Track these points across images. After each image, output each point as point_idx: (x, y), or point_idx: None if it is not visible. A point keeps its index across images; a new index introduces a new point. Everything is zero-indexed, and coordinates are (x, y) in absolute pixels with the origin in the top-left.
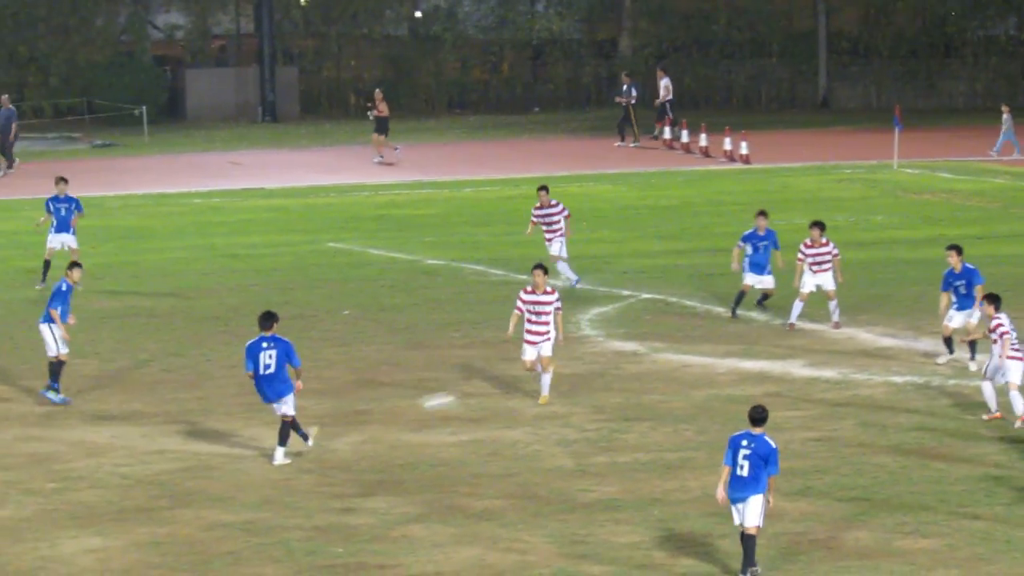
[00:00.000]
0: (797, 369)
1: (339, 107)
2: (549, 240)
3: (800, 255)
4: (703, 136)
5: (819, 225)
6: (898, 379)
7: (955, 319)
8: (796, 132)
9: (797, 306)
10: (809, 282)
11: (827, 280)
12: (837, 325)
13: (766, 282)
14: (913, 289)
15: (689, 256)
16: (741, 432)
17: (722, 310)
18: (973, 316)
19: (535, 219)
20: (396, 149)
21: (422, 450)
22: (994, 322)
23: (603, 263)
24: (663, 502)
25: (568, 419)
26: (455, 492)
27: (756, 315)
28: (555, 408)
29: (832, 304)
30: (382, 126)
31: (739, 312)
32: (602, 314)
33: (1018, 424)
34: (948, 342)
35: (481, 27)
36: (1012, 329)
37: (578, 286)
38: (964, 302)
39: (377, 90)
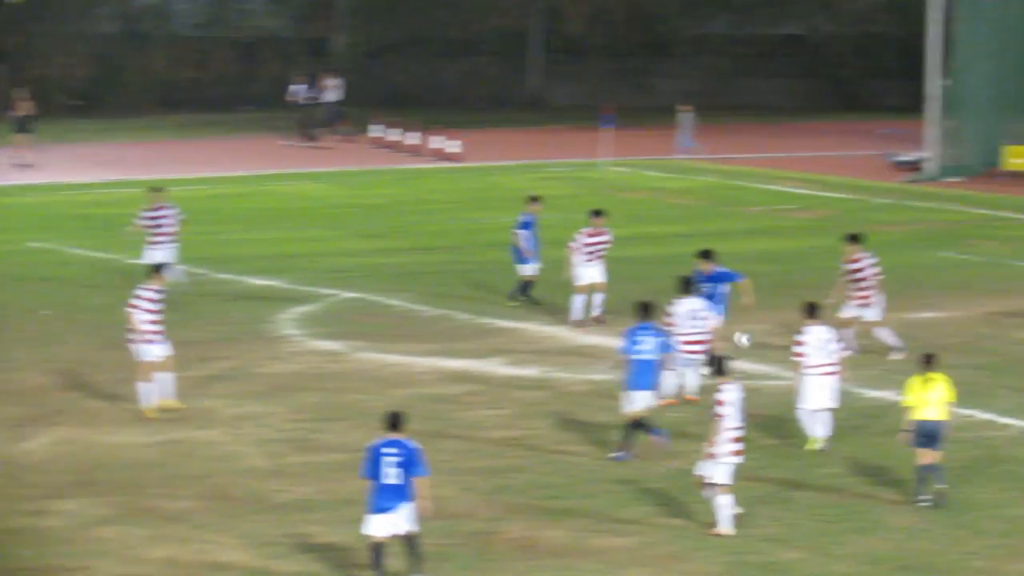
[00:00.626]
0: (498, 368)
1: (45, 106)
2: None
3: (574, 244)
4: (414, 134)
5: (599, 213)
6: (599, 377)
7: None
8: (508, 130)
9: (578, 300)
10: (584, 275)
11: (599, 272)
12: (599, 320)
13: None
14: (619, 287)
15: (395, 255)
16: (380, 440)
17: (425, 309)
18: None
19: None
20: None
21: (117, 451)
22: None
23: (308, 262)
24: (358, 503)
25: (266, 419)
26: (149, 493)
27: (459, 314)
28: (253, 408)
29: (598, 298)
30: (23, 126)
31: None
32: (304, 313)
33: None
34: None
35: (193, 25)
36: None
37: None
38: (715, 307)
39: (19, 90)
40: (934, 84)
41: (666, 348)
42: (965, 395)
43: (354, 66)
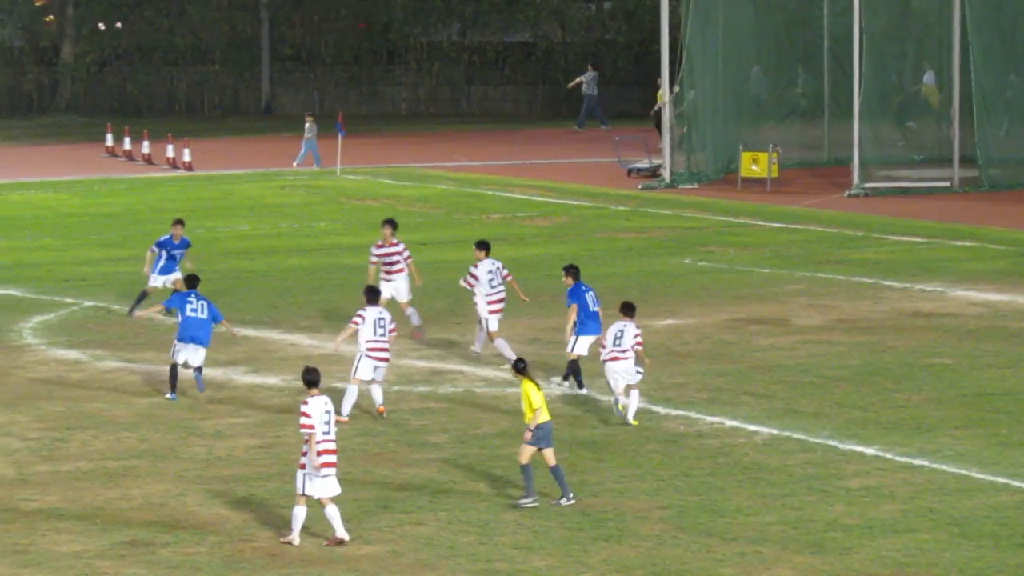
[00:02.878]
0: (239, 376)
1: None
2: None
3: (372, 257)
4: (145, 143)
5: (390, 223)
6: (342, 385)
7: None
8: (240, 139)
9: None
10: (385, 289)
11: (401, 288)
12: (418, 333)
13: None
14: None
15: (132, 264)
16: None
17: (165, 318)
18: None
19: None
20: None
21: None
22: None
23: (45, 271)
24: (106, 510)
25: (9, 428)
26: None
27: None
28: None
29: (409, 311)
30: None
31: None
32: (44, 322)
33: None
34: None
35: None
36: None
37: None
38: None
39: None
40: (667, 91)
41: None
42: (710, 403)
43: (84, 75)
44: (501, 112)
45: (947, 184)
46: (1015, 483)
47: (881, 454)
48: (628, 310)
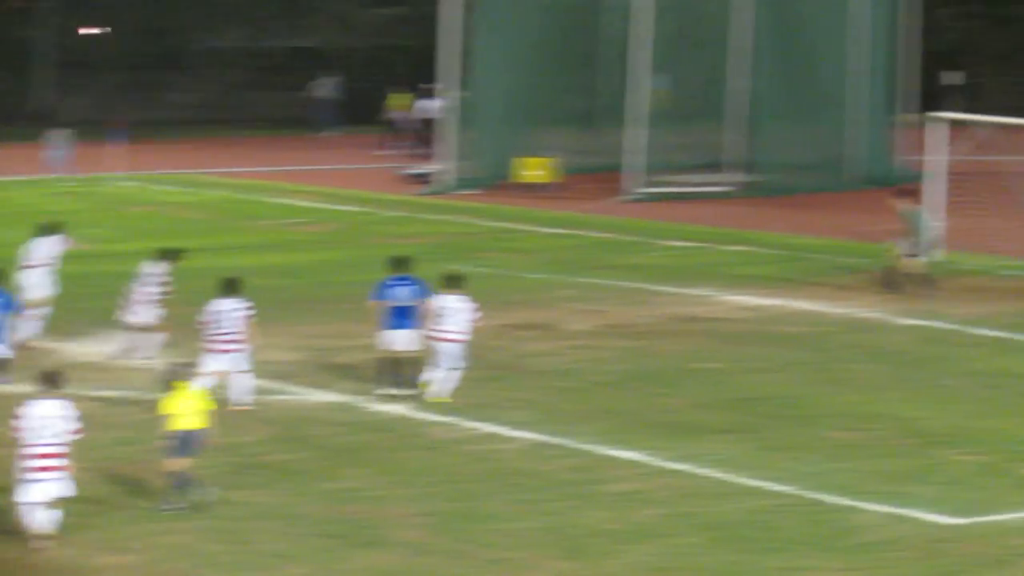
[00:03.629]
0: None
1: None
2: None
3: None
4: None
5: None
6: (112, 393)
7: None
8: (14, 145)
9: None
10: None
11: None
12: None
13: None
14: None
15: None
16: None
17: None
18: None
19: None
20: None
21: None
22: None
23: None
24: None
25: None
26: None
27: None
28: None
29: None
30: None
31: None
32: None
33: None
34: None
35: None
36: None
37: None
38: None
39: None
40: (448, 96)
41: None
42: (473, 408)
43: None
44: (284, 117)
45: (725, 189)
46: (775, 487)
47: (644, 459)
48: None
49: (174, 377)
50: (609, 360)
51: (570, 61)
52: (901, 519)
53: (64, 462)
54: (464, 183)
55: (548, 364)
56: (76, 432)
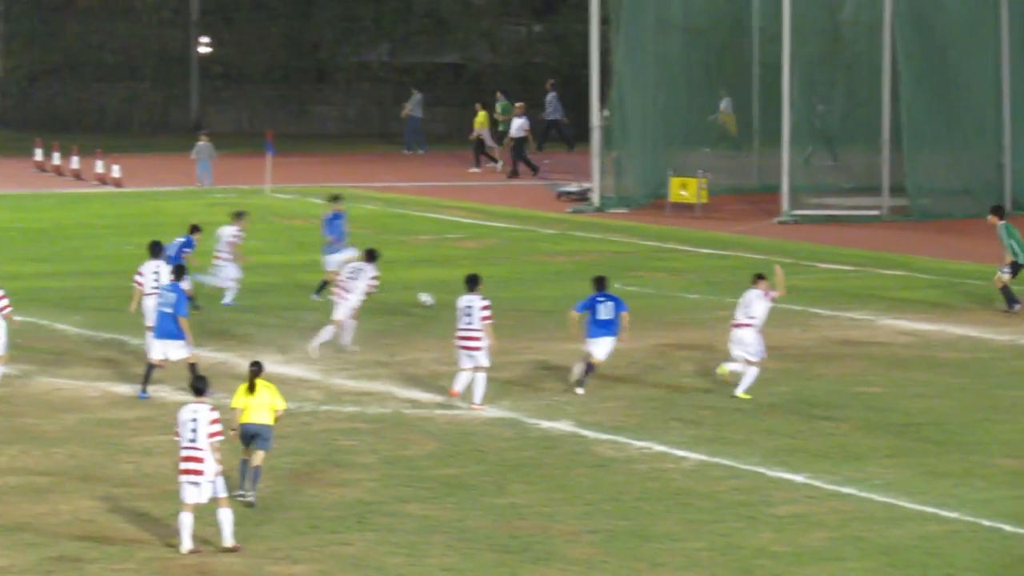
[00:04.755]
0: (168, 394)
1: None
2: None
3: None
4: (74, 159)
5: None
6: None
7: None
8: (169, 156)
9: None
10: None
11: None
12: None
13: None
14: (286, 314)
15: (61, 279)
16: None
17: (94, 333)
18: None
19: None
20: None
21: None
22: None
23: None
24: (34, 525)
25: None
26: None
27: (129, 339)
28: None
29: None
30: None
31: None
32: None
33: None
34: None
35: None
36: None
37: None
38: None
39: None
40: (596, 115)
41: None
42: (639, 428)
43: (14, 90)
44: (431, 133)
45: (876, 212)
46: (943, 513)
47: (810, 482)
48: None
49: (253, 371)
50: (770, 382)
51: (717, 82)
52: None
53: (206, 466)
54: (615, 202)
55: (708, 384)
56: (215, 435)
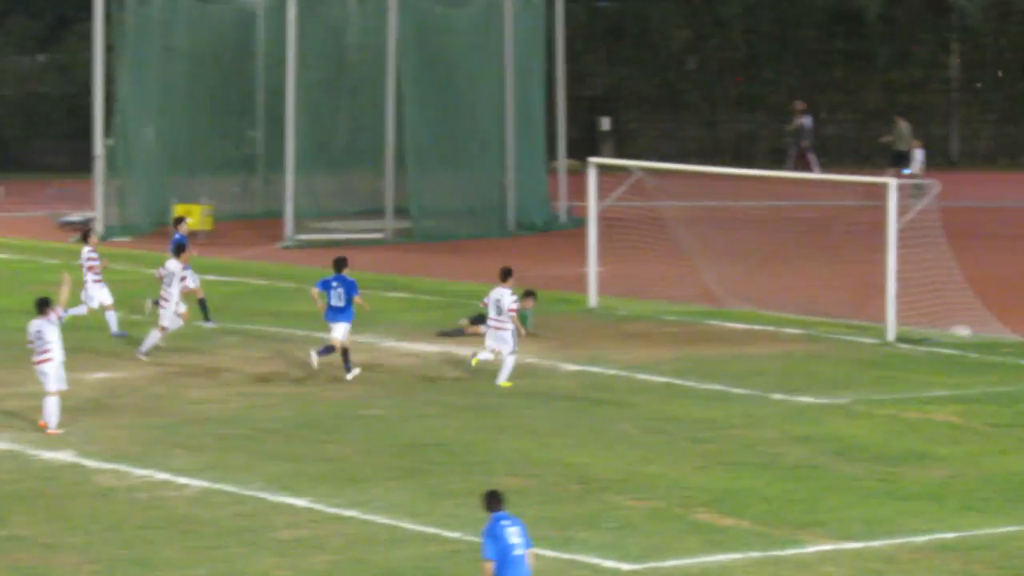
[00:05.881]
0: None
1: None
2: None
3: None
4: None
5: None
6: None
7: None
8: None
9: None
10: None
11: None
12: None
13: None
14: None
15: None
16: None
17: None
18: None
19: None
20: None
21: None
22: None
23: None
24: None
25: None
26: None
27: None
28: None
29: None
30: None
31: None
32: None
33: None
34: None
35: None
36: None
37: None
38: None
39: None
40: (99, 144)
41: None
42: (141, 456)
43: None
44: None
45: (380, 235)
46: (445, 533)
47: (312, 506)
48: None
49: None
50: (272, 407)
51: (225, 108)
52: (574, 564)
53: None
54: (118, 230)
55: (211, 411)
56: None
